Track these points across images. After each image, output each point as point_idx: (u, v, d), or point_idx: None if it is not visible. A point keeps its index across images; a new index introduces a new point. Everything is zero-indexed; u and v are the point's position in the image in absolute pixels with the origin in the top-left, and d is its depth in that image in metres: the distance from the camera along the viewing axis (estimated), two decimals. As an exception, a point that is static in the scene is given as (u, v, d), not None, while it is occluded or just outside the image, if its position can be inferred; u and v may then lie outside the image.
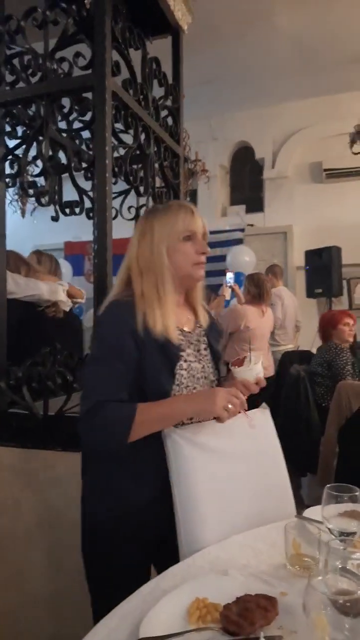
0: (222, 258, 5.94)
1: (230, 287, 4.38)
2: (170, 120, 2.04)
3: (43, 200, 1.65)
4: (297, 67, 5.12)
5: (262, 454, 1.35)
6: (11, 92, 1.59)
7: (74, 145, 1.54)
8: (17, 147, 1.64)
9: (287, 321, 4.56)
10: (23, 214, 5.79)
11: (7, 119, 1.61)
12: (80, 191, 1.75)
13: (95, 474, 1.24)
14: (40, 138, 1.57)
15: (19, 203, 5.70)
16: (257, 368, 1.26)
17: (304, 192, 5.99)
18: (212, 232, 6.22)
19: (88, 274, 6.35)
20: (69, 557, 1.34)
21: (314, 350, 4.73)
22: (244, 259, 5.69)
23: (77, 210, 1.66)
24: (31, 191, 1.67)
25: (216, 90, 5.46)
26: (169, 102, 2.00)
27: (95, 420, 1.09)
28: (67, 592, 1.46)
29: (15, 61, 1.60)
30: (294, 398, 3.15)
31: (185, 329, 1.27)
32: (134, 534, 1.18)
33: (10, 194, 5.79)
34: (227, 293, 4.38)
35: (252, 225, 6.20)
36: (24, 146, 1.62)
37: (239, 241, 6.09)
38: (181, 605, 0.86)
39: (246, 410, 1.22)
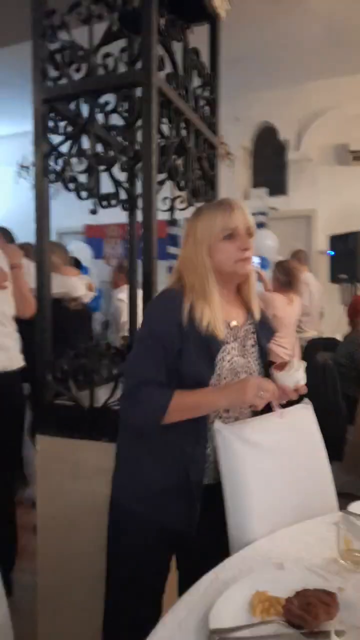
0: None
1: (257, 272, 4.37)
2: (207, 110, 2.03)
3: (83, 194, 1.68)
4: (324, 45, 4.98)
5: (305, 448, 1.39)
6: (55, 88, 1.60)
7: (118, 141, 1.55)
8: (60, 143, 1.65)
9: (312, 308, 4.55)
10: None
11: (51, 115, 1.62)
12: (117, 183, 1.78)
13: (124, 458, 1.31)
14: (85, 135, 1.59)
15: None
16: (297, 375, 1.24)
17: (329, 175, 5.89)
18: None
19: (107, 257, 6.39)
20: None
21: (339, 337, 4.73)
22: (267, 243, 5.66)
23: (113, 202, 1.69)
24: (72, 185, 1.69)
25: (240, 69, 5.34)
26: (206, 93, 1.98)
27: (134, 400, 1.18)
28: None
29: (59, 56, 1.60)
30: (320, 387, 3.17)
31: (233, 323, 1.29)
32: (157, 518, 1.24)
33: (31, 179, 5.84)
34: (254, 278, 4.38)
35: (274, 208, 6.13)
36: (67, 142, 1.64)
37: (261, 225, 6.04)
38: (243, 597, 0.90)
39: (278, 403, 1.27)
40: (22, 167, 5.54)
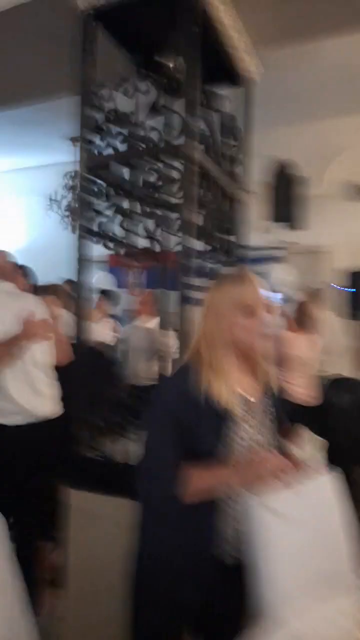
0: (262, 275, 5.98)
1: (279, 308, 4.41)
2: (239, 169, 2.10)
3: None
4: (344, 85, 5.11)
5: (331, 518, 1.40)
6: (101, 157, 1.68)
7: (159, 210, 1.62)
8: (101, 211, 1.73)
9: (333, 346, 4.56)
10: (74, 229, 5.99)
11: (96, 181, 1.70)
12: (151, 237, 1.84)
13: (145, 533, 1.30)
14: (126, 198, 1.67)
15: (70, 220, 5.93)
16: (308, 450, 1.23)
17: (348, 211, 5.96)
18: (253, 249, 6.26)
19: (131, 288, 6.45)
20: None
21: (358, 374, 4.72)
22: (287, 278, 5.72)
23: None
24: (111, 244, 1.77)
25: (261, 107, 5.49)
26: (240, 155, 2.06)
27: (153, 483, 1.21)
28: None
29: (105, 125, 1.68)
30: (341, 432, 3.16)
31: (252, 399, 1.28)
32: (175, 596, 1.26)
33: (62, 210, 6.00)
34: (274, 313, 4.41)
35: (292, 243, 6.20)
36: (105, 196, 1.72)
37: (278, 259, 6.11)
38: None
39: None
40: (52, 200, 5.69)
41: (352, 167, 5.93)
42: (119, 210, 1.75)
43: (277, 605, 1.18)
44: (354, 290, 5.24)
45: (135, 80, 1.63)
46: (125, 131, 1.65)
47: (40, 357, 2.20)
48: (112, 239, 1.76)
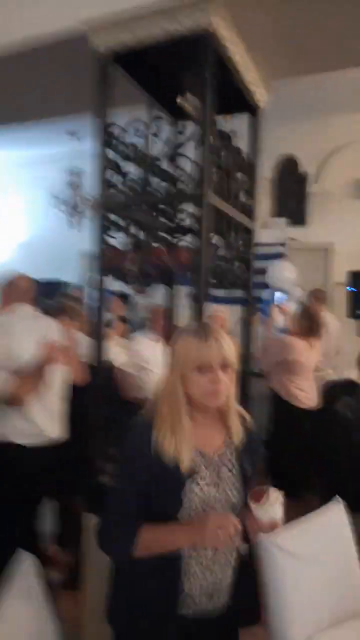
0: (262, 271, 6.01)
1: (279, 306, 4.47)
2: (246, 198, 2.15)
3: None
4: (348, 79, 5.09)
5: (339, 550, 1.51)
6: (116, 197, 1.73)
7: (173, 251, 1.68)
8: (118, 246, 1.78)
9: (329, 347, 4.65)
10: (76, 225, 6.02)
11: (110, 221, 1.75)
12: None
13: (115, 582, 1.33)
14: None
15: (73, 218, 5.94)
16: (272, 510, 1.15)
17: (350, 209, 5.98)
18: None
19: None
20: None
21: (354, 376, 4.81)
22: (287, 275, 5.76)
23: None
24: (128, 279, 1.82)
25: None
26: (247, 185, 2.10)
27: (105, 537, 1.23)
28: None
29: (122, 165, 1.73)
30: (344, 439, 3.26)
31: (207, 450, 1.26)
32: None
33: (67, 208, 6.00)
34: (276, 312, 4.47)
35: (293, 239, 6.23)
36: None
37: (279, 255, 6.14)
38: None
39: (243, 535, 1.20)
40: (56, 198, 5.70)
41: (356, 164, 5.93)
42: (137, 244, 1.79)
43: (288, 636, 1.29)
44: (353, 289, 5.29)
45: (154, 123, 1.66)
46: (141, 173, 1.69)
47: (57, 380, 2.28)
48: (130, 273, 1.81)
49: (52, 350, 2.14)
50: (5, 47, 1.90)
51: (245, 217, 2.10)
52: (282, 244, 6.20)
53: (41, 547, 2.34)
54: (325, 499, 3.62)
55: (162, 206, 1.73)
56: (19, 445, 2.15)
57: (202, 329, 1.24)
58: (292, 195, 6.56)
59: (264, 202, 6.62)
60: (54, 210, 6.00)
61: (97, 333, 1.85)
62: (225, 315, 4.73)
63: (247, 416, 1.32)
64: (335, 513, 1.55)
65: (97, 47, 1.70)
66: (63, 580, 2.54)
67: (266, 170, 6.48)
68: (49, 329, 2.30)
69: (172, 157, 1.64)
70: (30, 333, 2.20)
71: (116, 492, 1.25)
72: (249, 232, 2.17)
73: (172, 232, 1.73)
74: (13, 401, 2.08)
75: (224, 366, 1.20)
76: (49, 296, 5.93)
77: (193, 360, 1.19)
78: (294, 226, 6.36)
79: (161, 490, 1.20)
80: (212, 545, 1.16)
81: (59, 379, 2.29)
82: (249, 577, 1.27)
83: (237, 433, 1.29)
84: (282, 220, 6.48)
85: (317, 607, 1.37)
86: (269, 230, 6.51)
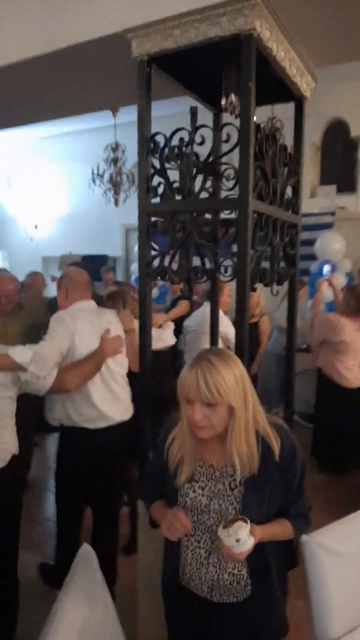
0: (311, 242, 5.87)
1: (328, 280, 4.41)
2: (290, 192, 2.12)
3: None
4: None
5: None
6: (158, 205, 1.77)
7: (215, 255, 1.72)
8: (158, 255, 1.84)
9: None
10: (117, 203, 6.06)
11: (155, 227, 1.80)
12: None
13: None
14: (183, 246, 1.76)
15: (112, 194, 5.98)
16: (233, 538, 1.20)
17: None
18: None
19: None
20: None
21: None
22: (334, 246, 5.61)
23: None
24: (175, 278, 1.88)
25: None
26: (292, 180, 2.07)
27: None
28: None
29: (161, 178, 1.76)
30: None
31: (213, 464, 1.36)
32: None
33: (105, 184, 6.04)
34: (325, 287, 4.41)
35: (343, 208, 6.02)
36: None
37: (328, 225, 5.96)
38: None
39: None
40: (95, 174, 5.75)
41: None
42: (178, 245, 1.84)
43: (327, 630, 1.39)
44: None
45: (192, 133, 1.67)
46: (185, 180, 1.71)
47: (115, 368, 2.47)
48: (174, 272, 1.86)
49: (107, 343, 2.35)
50: (55, 52, 1.94)
51: (290, 214, 2.09)
52: (332, 213, 6.01)
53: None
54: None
55: (205, 214, 1.75)
56: (85, 429, 2.37)
57: (197, 359, 1.27)
58: (342, 161, 6.29)
59: (312, 169, 6.39)
60: (94, 185, 6.04)
61: (144, 325, 1.93)
62: (258, 296, 4.72)
63: (275, 443, 1.30)
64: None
65: (140, 55, 1.71)
66: (123, 546, 2.78)
67: (314, 136, 6.23)
68: (108, 322, 2.47)
69: (215, 164, 1.64)
70: (93, 326, 2.38)
71: (148, 465, 1.60)
72: (294, 226, 2.16)
73: (211, 239, 1.75)
74: (60, 391, 2.23)
75: (208, 403, 1.23)
76: (94, 272, 6.09)
77: (180, 390, 1.28)
78: (343, 193, 6.14)
79: (167, 484, 1.41)
80: (166, 535, 1.33)
81: (116, 366, 2.47)
82: (265, 593, 1.32)
83: (242, 463, 1.29)
84: (331, 188, 6.25)
85: (358, 602, 1.46)
86: (317, 198, 6.32)
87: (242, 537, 1.18)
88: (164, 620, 1.54)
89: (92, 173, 5.76)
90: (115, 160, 5.84)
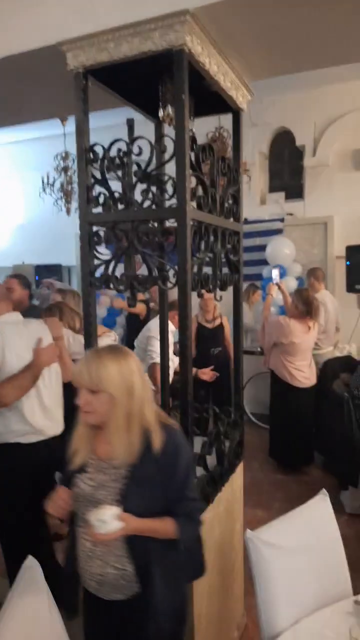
0: (262, 248, 6.03)
1: (277, 284, 4.52)
2: (231, 201, 2.19)
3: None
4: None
5: (323, 542, 1.63)
6: (99, 215, 1.79)
7: (157, 262, 1.75)
8: (106, 262, 1.85)
9: (329, 325, 4.73)
10: (68, 211, 6.02)
11: (97, 237, 1.82)
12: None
13: None
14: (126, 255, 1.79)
15: (64, 202, 5.93)
16: (94, 520, 1.26)
17: (347, 181, 5.93)
18: (251, 222, 6.29)
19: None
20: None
21: (354, 351, 4.91)
22: (284, 251, 5.79)
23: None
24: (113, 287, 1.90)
25: (257, 77, 5.36)
26: (232, 189, 2.14)
27: None
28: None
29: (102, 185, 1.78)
30: (337, 417, 3.39)
31: (100, 456, 1.42)
32: None
33: (56, 193, 5.98)
34: (274, 291, 4.53)
35: (291, 214, 6.22)
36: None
37: (278, 231, 6.14)
38: None
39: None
40: (45, 183, 5.69)
41: (350, 136, 5.84)
42: (120, 254, 1.86)
43: (276, 624, 1.43)
44: (348, 263, 5.30)
45: (129, 144, 1.70)
46: (125, 190, 1.74)
47: (49, 379, 2.39)
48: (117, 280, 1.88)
49: (41, 354, 2.25)
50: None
51: (232, 222, 2.15)
52: (281, 220, 6.20)
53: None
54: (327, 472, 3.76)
55: (147, 223, 1.79)
56: (17, 444, 2.28)
57: (89, 352, 1.41)
58: (289, 169, 6.50)
59: (261, 177, 6.57)
60: (45, 194, 5.97)
61: (88, 333, 1.93)
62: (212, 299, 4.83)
63: (157, 439, 1.35)
64: (321, 505, 1.67)
65: (75, 67, 1.73)
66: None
67: (262, 145, 6.42)
68: (37, 332, 2.37)
69: (151, 175, 1.68)
70: (22, 339, 2.29)
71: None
72: (236, 234, 2.23)
73: (156, 247, 1.80)
74: (1, 404, 2.19)
75: (91, 390, 1.33)
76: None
77: (73, 378, 1.38)
78: (291, 200, 6.34)
79: (67, 472, 1.47)
80: (50, 511, 1.39)
81: (50, 378, 2.40)
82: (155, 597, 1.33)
83: (122, 452, 1.35)
84: (280, 195, 6.44)
85: (302, 594, 1.51)
86: (267, 206, 6.50)
87: (105, 519, 1.24)
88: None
89: (42, 182, 5.70)
90: (65, 169, 5.80)
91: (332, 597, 1.54)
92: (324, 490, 1.72)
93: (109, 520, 1.24)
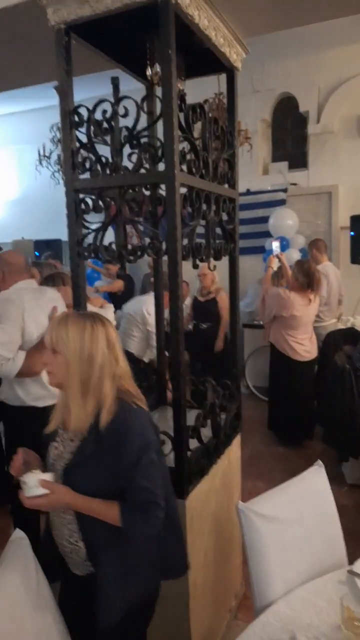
0: (265, 220, 5.90)
1: (277, 256, 4.45)
2: (226, 167, 2.11)
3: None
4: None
5: (318, 513, 1.61)
6: (85, 180, 1.72)
7: (147, 230, 1.69)
8: (92, 232, 1.79)
9: (331, 297, 4.65)
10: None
11: (84, 205, 1.75)
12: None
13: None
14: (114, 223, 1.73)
15: (62, 175, 5.83)
16: (21, 482, 1.28)
17: (352, 149, 5.76)
18: (253, 193, 6.14)
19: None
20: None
21: (358, 325, 4.84)
22: (287, 222, 5.67)
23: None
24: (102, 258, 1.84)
25: (258, 39, 5.14)
26: (226, 153, 2.05)
27: None
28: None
29: (87, 152, 1.71)
30: (338, 388, 3.36)
31: (66, 425, 1.41)
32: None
33: (52, 166, 5.87)
34: (274, 263, 4.46)
35: (295, 184, 6.06)
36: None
37: (281, 202, 6.00)
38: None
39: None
40: (41, 155, 5.57)
41: (358, 100, 5.64)
42: (108, 223, 1.80)
43: (268, 594, 1.42)
44: (353, 234, 5.18)
45: (114, 104, 1.62)
46: (111, 154, 1.67)
47: None
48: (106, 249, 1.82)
49: None
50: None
51: (227, 188, 2.07)
52: (284, 190, 6.04)
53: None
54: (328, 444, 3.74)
55: (136, 189, 1.72)
56: (34, 407, 2.36)
57: (64, 313, 1.42)
58: (292, 137, 6.32)
59: (264, 146, 6.40)
60: (42, 166, 5.86)
61: (78, 304, 1.89)
62: (212, 274, 4.79)
63: (106, 415, 1.29)
64: (315, 476, 1.65)
65: (56, 23, 1.64)
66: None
67: (264, 112, 6.22)
68: (56, 301, 2.46)
69: (140, 137, 1.60)
70: (39, 307, 2.36)
71: None
72: (232, 200, 2.15)
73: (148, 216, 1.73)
74: (29, 374, 2.28)
75: (53, 350, 1.32)
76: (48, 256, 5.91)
77: None
78: (294, 169, 6.17)
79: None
80: (11, 472, 1.36)
81: None
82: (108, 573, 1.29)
83: (75, 422, 1.33)
84: (283, 165, 6.27)
85: (296, 565, 1.49)
86: (269, 175, 6.34)
87: (28, 482, 1.27)
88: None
89: (39, 154, 5.58)
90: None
91: (327, 568, 1.52)
92: (319, 462, 1.69)
93: (31, 484, 1.26)
